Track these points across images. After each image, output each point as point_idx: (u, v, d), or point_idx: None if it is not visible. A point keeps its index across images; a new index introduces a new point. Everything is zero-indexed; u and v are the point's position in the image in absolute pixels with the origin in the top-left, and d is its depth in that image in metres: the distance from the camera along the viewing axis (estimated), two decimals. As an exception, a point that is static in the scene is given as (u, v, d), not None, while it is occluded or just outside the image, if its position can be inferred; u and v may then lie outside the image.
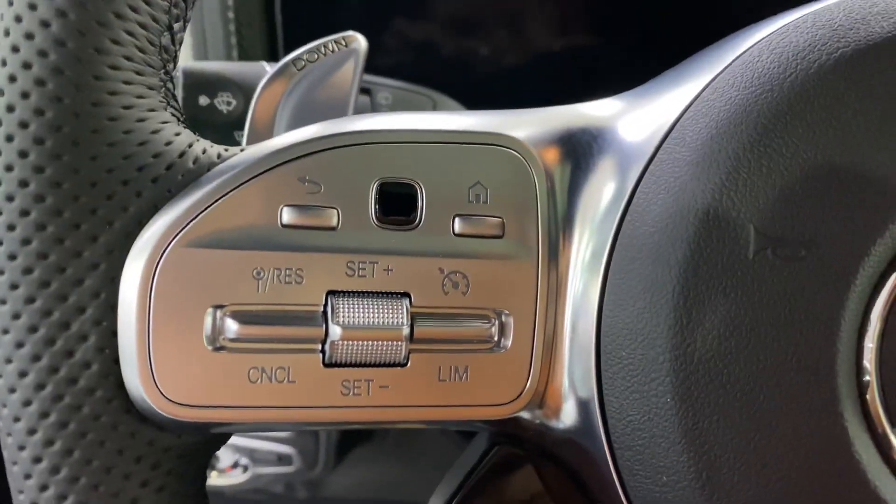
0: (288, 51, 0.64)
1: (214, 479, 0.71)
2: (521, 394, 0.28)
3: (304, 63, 0.36)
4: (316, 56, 0.35)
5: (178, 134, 0.27)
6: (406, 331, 0.27)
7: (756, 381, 0.25)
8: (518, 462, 0.32)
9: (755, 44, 0.28)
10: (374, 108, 0.49)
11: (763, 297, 0.25)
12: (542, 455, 0.31)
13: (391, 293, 0.27)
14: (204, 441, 0.29)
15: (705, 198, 0.26)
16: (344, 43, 0.36)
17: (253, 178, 0.26)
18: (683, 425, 0.25)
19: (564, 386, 0.28)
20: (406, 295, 0.27)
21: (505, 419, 0.28)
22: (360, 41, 0.37)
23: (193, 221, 0.26)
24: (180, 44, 0.28)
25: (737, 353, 0.25)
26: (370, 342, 0.27)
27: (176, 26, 0.28)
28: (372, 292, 0.27)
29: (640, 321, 0.26)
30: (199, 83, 0.42)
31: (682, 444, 0.25)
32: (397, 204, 0.28)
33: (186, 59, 0.57)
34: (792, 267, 0.25)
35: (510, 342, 0.28)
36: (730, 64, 0.27)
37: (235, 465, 0.70)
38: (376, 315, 0.27)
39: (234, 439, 0.69)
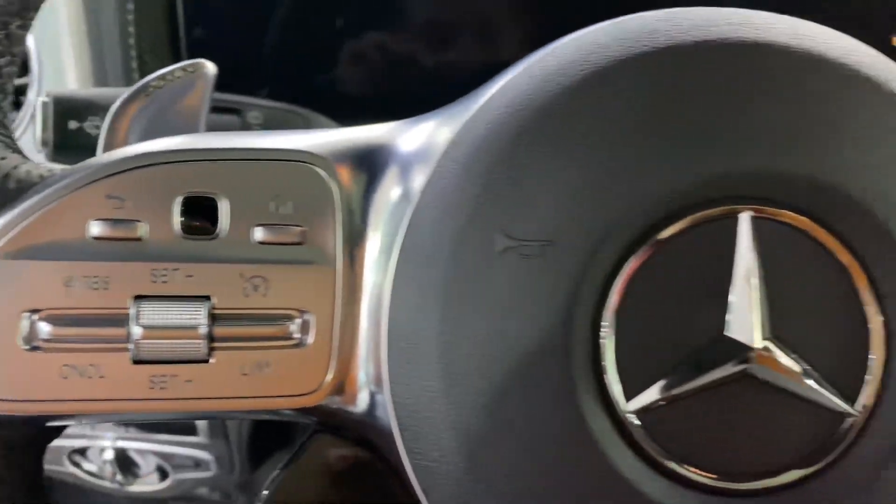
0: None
1: (137, 486, 0.73)
2: (321, 385, 0.31)
3: (152, 88, 0.39)
4: (163, 82, 0.39)
5: (3, 158, 0.30)
6: (204, 330, 0.30)
7: (506, 369, 0.28)
8: (334, 447, 0.35)
9: (524, 67, 0.31)
10: (244, 128, 0.53)
11: (510, 293, 0.28)
12: (350, 438, 0.34)
13: (192, 297, 0.30)
14: (34, 434, 0.32)
15: (464, 206, 0.29)
16: (192, 69, 0.39)
17: (65, 195, 0.30)
18: (449, 410, 0.29)
19: (361, 377, 0.31)
20: (206, 298, 0.30)
21: (310, 408, 0.31)
22: (209, 67, 0.40)
23: (9, 235, 0.29)
24: (10, 77, 0.32)
25: (491, 345, 0.28)
26: (171, 341, 0.30)
27: (2, 61, 0.31)
28: (174, 296, 0.30)
29: (415, 316, 0.29)
30: (68, 109, 0.45)
31: (448, 427, 0.29)
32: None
33: (87, 84, 0.60)
34: (533, 264, 0.28)
35: (311, 339, 0.31)
36: (502, 86, 0.31)
37: (156, 472, 0.73)
38: (175, 316, 0.30)
39: (151, 446, 0.72)
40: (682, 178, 0.28)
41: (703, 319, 0.28)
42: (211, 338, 0.30)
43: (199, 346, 0.30)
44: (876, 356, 0.28)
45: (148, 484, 0.73)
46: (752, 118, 0.28)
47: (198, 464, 0.71)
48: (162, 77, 0.39)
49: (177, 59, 0.66)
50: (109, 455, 0.70)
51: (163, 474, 0.73)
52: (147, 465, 0.72)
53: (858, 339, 0.28)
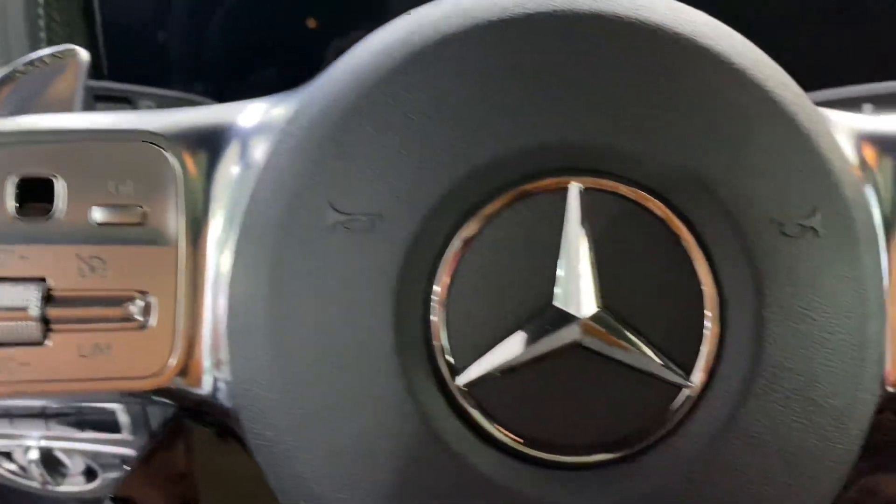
0: (112, 71, 0.67)
1: (66, 486, 0.73)
2: (164, 367, 0.31)
3: (18, 74, 0.38)
4: (31, 67, 0.38)
5: None
6: (36, 311, 0.29)
7: (335, 345, 0.28)
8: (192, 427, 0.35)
9: (359, 45, 0.31)
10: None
11: (340, 267, 0.28)
12: (209, 423, 0.34)
13: (25, 278, 0.30)
14: None
15: (295, 181, 0.29)
16: (62, 55, 0.39)
17: None
18: (279, 389, 0.28)
19: (205, 359, 0.31)
20: (41, 280, 0.30)
21: (155, 389, 0.31)
22: (81, 54, 0.40)
23: None
24: None
25: (320, 321, 0.28)
26: (3, 323, 0.29)
27: None
28: (7, 278, 0.30)
29: (248, 294, 0.29)
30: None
31: (280, 405, 0.28)
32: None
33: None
34: (361, 238, 0.28)
35: (154, 321, 0.30)
36: (336, 64, 0.31)
37: (85, 472, 0.72)
38: (7, 298, 0.29)
39: (74, 444, 0.72)
40: (509, 151, 0.28)
41: (534, 292, 0.28)
42: (46, 320, 0.30)
43: (32, 329, 0.30)
44: (710, 328, 0.28)
45: (76, 484, 0.72)
46: (579, 91, 0.28)
47: (125, 461, 0.70)
48: (30, 63, 0.38)
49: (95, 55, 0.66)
50: (34, 455, 0.69)
51: (91, 474, 0.72)
52: (75, 465, 0.71)
53: (693, 310, 0.28)
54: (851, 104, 0.51)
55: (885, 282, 0.31)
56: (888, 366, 0.31)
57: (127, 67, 0.65)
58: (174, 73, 0.65)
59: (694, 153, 0.28)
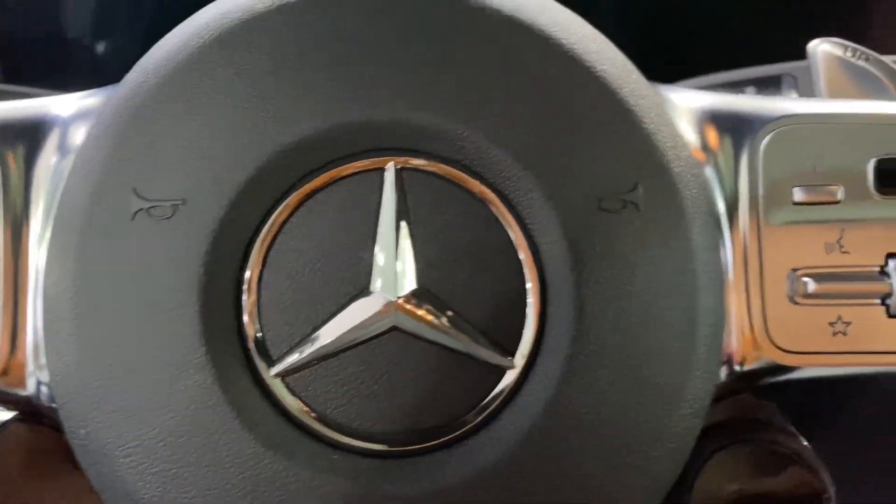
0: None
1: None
2: None
3: None
4: None
5: None
6: None
7: (143, 339, 0.27)
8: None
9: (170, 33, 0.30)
10: None
11: (144, 257, 0.27)
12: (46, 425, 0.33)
13: None
14: None
15: (98, 169, 0.28)
16: None
17: None
18: (88, 385, 0.27)
19: (29, 357, 0.30)
20: None
21: None
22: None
23: None
24: None
25: (125, 313, 0.27)
26: None
27: None
28: None
29: (57, 288, 0.28)
30: None
31: (90, 402, 0.27)
32: None
33: None
34: (165, 225, 0.27)
35: None
36: (148, 53, 0.30)
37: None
38: None
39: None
40: (319, 131, 0.27)
41: (350, 275, 0.27)
42: None
43: None
44: (532, 308, 0.28)
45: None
46: (393, 68, 0.28)
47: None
48: None
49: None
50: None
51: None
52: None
53: (514, 290, 0.28)
54: (736, 87, 0.51)
55: (729, 260, 0.31)
56: (735, 345, 0.31)
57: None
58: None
59: (510, 130, 0.27)
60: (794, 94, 0.48)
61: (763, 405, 0.36)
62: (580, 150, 0.28)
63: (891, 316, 0.30)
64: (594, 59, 0.29)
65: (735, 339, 0.31)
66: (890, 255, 0.31)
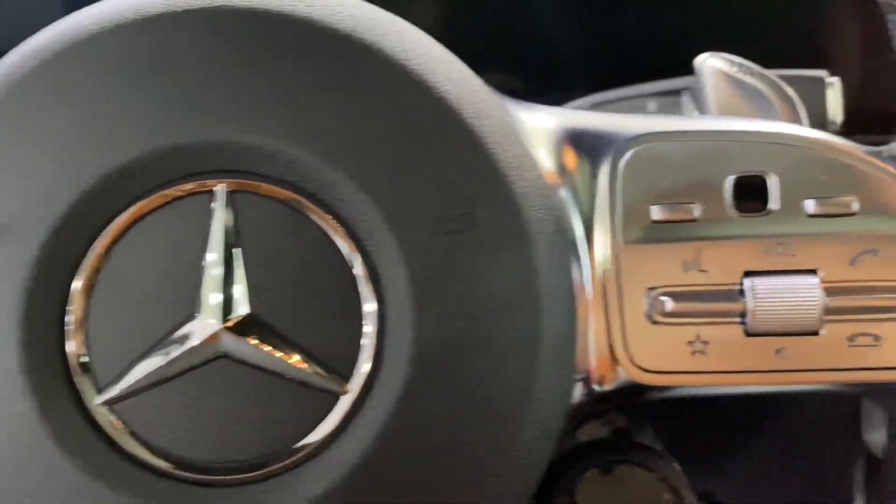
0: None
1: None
2: None
3: None
4: None
5: None
6: None
7: None
8: None
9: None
10: None
11: None
12: None
13: None
14: None
15: None
16: None
17: None
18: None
19: None
20: None
21: None
22: None
23: None
24: None
25: None
26: None
27: None
28: None
29: None
30: None
31: None
32: None
33: None
34: None
35: None
36: None
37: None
38: None
39: None
40: (148, 154, 0.27)
41: (179, 301, 0.27)
42: None
43: None
44: (368, 332, 0.27)
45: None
46: (223, 88, 0.27)
47: None
48: None
49: None
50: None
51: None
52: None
53: (350, 315, 0.27)
54: (638, 101, 0.50)
55: (588, 279, 0.30)
56: (593, 364, 0.31)
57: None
58: None
59: (345, 151, 0.27)
60: (693, 108, 0.48)
61: (639, 426, 0.36)
62: (418, 170, 0.27)
63: (748, 335, 0.30)
64: (436, 80, 0.28)
65: (594, 359, 0.31)
66: (747, 274, 0.30)
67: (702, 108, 0.43)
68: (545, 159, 0.31)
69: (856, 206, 0.30)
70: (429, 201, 0.27)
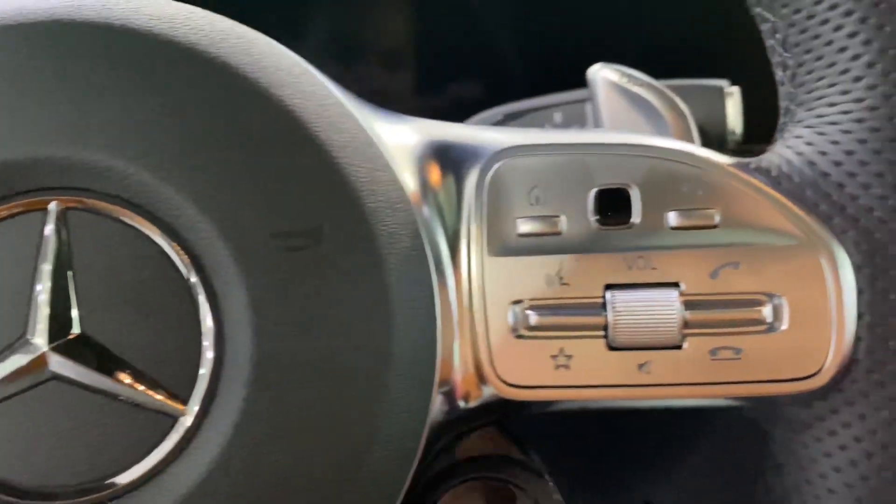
0: None
1: None
2: None
3: None
4: None
5: None
6: None
7: None
8: None
9: None
10: None
11: None
12: None
13: None
14: None
15: None
16: None
17: None
18: None
19: None
20: None
21: None
22: None
23: None
24: None
25: None
26: None
27: None
28: None
29: None
30: None
31: None
32: None
33: None
34: None
35: None
36: None
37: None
38: None
39: None
40: None
41: (7, 322, 0.26)
42: None
43: None
44: (207, 354, 0.26)
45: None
46: (53, 103, 0.26)
47: None
48: None
49: None
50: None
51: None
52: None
53: (189, 336, 0.26)
54: (545, 111, 0.50)
55: (453, 295, 0.30)
56: (458, 380, 0.30)
57: None
58: None
59: (181, 165, 0.26)
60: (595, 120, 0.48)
61: (514, 442, 0.35)
62: (257, 186, 0.27)
63: (611, 349, 0.30)
64: (283, 93, 0.28)
65: (459, 375, 0.30)
66: (608, 287, 0.30)
67: (597, 120, 0.43)
68: (406, 174, 0.30)
69: (717, 219, 0.30)
70: (268, 217, 0.26)
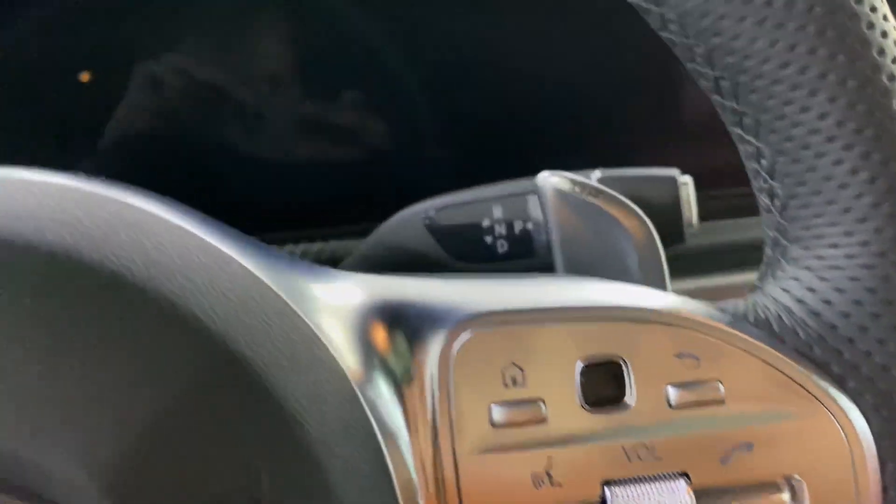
0: None
1: None
2: None
3: None
4: None
5: None
6: None
7: None
8: None
9: None
10: None
11: None
12: None
13: None
14: None
15: None
16: None
17: None
18: None
19: None
20: None
21: None
22: None
23: None
24: None
25: None
26: None
27: None
28: None
29: None
30: None
31: None
32: None
33: None
34: None
35: None
36: None
37: None
38: None
39: None
40: None
41: None
42: None
43: None
44: None
45: None
46: None
47: None
48: None
49: None
50: None
51: None
52: None
53: None
54: (483, 204, 0.46)
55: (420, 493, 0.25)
56: None
57: None
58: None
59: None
60: (539, 214, 0.44)
61: None
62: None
63: None
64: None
65: None
66: (606, 483, 0.26)
67: (546, 221, 0.39)
68: (347, 352, 0.25)
69: (722, 391, 0.26)
70: None
